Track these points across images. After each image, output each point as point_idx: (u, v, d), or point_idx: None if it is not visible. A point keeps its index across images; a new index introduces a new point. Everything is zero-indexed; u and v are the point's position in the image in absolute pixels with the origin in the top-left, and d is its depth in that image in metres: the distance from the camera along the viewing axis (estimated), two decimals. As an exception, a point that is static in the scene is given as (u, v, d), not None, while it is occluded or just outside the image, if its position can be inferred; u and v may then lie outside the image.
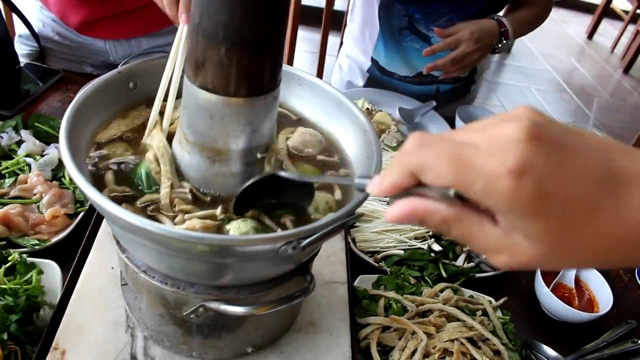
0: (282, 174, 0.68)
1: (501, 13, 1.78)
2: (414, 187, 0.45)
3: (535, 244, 0.42)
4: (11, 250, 1.00)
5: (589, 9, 6.36)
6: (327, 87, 0.91)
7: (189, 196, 0.75)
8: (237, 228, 0.72)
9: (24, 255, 0.99)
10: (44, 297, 0.96)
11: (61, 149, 0.68)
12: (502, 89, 4.66)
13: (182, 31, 0.81)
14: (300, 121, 0.93)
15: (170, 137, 0.80)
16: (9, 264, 0.97)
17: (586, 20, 6.17)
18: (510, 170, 0.39)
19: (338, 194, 0.82)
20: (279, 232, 0.69)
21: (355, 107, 0.87)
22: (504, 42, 1.64)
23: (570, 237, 0.41)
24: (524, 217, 0.40)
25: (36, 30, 1.61)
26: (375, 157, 0.77)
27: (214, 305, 0.74)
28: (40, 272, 0.98)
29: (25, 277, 0.97)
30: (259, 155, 0.75)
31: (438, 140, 0.43)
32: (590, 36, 6.05)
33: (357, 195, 0.71)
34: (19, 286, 0.93)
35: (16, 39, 1.64)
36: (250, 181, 0.70)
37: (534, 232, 0.41)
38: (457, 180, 0.42)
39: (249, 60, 0.64)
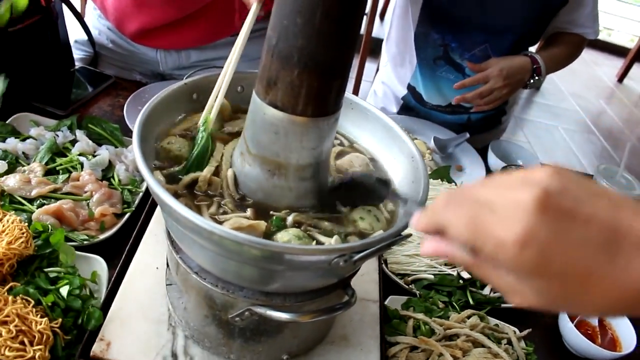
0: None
1: (533, 48, 1.83)
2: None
3: (541, 295, 0.48)
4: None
5: (621, 52, 6.37)
6: (377, 113, 0.95)
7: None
8: (281, 237, 0.76)
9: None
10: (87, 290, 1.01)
11: (135, 152, 0.73)
12: (529, 125, 4.68)
13: (253, 12, 0.88)
14: (351, 143, 0.98)
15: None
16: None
17: (617, 63, 6.18)
18: (515, 241, 0.44)
19: (386, 214, 0.86)
20: (335, 245, 0.73)
21: (404, 133, 0.91)
22: (536, 78, 1.69)
23: (572, 295, 0.47)
24: (529, 277, 0.47)
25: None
26: (422, 182, 0.81)
27: (260, 310, 0.79)
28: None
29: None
30: (312, 173, 0.79)
31: (461, 201, 0.50)
32: (620, 79, 6.05)
33: (403, 217, 0.75)
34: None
35: (72, 44, 1.71)
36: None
37: (538, 289, 0.47)
38: (472, 241, 0.49)
39: (318, 83, 0.69)
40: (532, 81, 1.69)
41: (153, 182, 0.68)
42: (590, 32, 1.78)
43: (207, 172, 0.83)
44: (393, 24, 1.90)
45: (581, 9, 1.71)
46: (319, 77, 0.69)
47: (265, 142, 0.75)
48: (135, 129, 0.77)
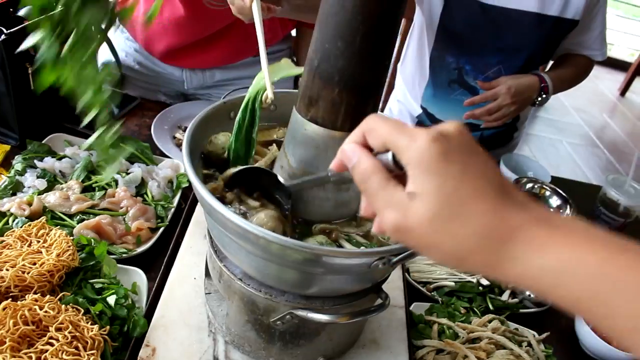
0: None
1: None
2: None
3: (426, 202, 0.49)
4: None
5: (622, 66, 6.45)
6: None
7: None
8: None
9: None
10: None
11: (185, 164, 0.80)
12: (534, 140, 4.74)
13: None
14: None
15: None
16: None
17: (619, 77, 6.27)
18: (429, 134, 0.49)
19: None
20: (376, 248, 0.79)
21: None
22: (544, 96, 1.76)
23: (457, 203, 0.48)
24: (426, 172, 0.49)
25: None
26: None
27: (301, 313, 0.84)
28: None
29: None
30: (350, 184, 0.85)
31: (392, 120, 0.54)
32: (623, 93, 6.13)
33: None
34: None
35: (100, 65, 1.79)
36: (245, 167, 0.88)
37: (429, 188, 0.49)
38: (388, 137, 0.52)
39: (356, 100, 0.75)
40: (539, 99, 1.77)
41: (204, 192, 0.74)
42: (598, 55, 1.87)
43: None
44: (409, 46, 1.97)
45: (590, 32, 1.79)
46: (357, 95, 0.75)
47: (306, 156, 0.81)
48: (184, 144, 0.83)
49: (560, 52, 1.89)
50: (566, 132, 5.02)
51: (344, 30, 0.70)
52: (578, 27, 1.73)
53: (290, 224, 0.85)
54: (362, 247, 0.84)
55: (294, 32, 1.92)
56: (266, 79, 0.90)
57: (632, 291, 0.43)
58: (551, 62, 1.97)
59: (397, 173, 0.53)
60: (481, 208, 0.48)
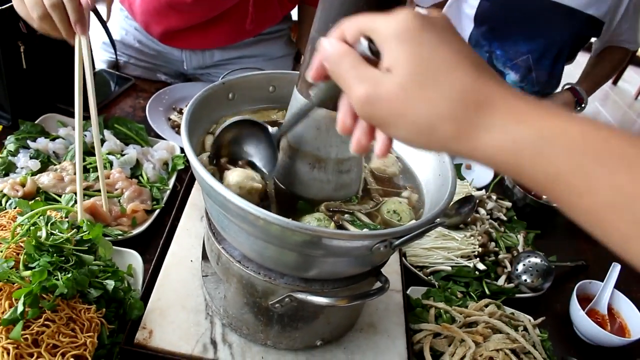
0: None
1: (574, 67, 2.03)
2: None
3: (400, 70, 0.48)
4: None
5: (615, 55, 6.47)
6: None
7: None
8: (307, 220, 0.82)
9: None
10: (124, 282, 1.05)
11: (184, 144, 0.78)
12: (526, 126, 4.75)
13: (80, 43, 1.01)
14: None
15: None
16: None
17: (612, 65, 6.29)
18: (409, 12, 0.49)
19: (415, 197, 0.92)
20: (378, 231, 0.78)
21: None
22: (582, 106, 1.93)
23: (432, 69, 0.48)
24: (402, 42, 0.49)
25: (119, 37, 1.74)
26: (450, 175, 0.86)
27: (300, 295, 0.83)
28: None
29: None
30: (350, 166, 0.85)
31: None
32: (615, 82, 6.15)
33: (440, 203, 0.80)
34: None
35: (100, 45, 1.77)
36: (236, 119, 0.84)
37: (404, 56, 0.48)
38: (365, 22, 0.52)
39: (359, 81, 0.74)
40: (578, 108, 1.93)
41: (204, 172, 0.72)
42: (633, 45, 2.00)
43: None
44: None
45: (622, 26, 1.91)
46: (361, 76, 0.74)
47: (307, 137, 0.80)
48: (183, 124, 0.81)
49: (603, 45, 2.01)
50: (559, 119, 5.03)
51: (349, 9, 0.69)
52: (610, 24, 1.85)
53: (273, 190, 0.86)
54: (364, 230, 0.84)
55: (293, 14, 1.90)
56: None
57: (615, 161, 0.42)
58: (588, 58, 2.12)
59: (373, 60, 0.52)
60: (457, 74, 0.47)
